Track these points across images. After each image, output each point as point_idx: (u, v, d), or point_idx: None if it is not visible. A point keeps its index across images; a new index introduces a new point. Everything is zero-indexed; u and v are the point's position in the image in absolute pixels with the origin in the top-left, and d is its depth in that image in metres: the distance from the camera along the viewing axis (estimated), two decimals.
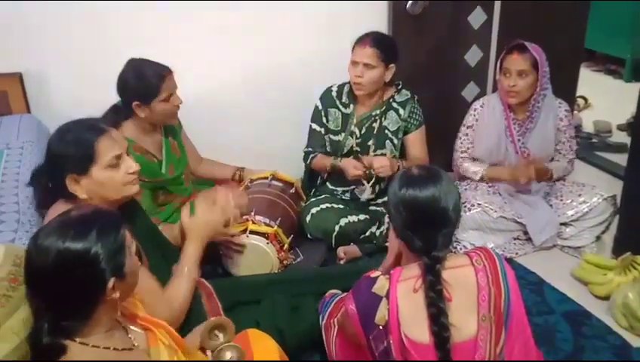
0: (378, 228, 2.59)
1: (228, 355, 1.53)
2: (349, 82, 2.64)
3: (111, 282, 1.16)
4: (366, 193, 2.67)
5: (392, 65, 2.55)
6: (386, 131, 2.65)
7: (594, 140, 3.92)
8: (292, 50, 2.95)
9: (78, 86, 2.61)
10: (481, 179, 2.77)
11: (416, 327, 1.39)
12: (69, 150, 1.55)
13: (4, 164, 2.22)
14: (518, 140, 2.68)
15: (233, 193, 1.97)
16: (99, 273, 1.15)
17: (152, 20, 2.69)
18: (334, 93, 2.71)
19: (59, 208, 1.52)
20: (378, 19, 2.97)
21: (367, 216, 2.63)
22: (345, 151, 2.70)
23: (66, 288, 1.13)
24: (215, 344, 1.56)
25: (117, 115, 2.24)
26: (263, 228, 2.36)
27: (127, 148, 1.66)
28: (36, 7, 2.55)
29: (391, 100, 2.66)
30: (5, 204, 1.93)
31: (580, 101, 4.38)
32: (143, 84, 2.19)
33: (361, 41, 2.54)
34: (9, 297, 1.32)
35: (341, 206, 2.68)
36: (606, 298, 2.31)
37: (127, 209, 1.72)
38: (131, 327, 1.31)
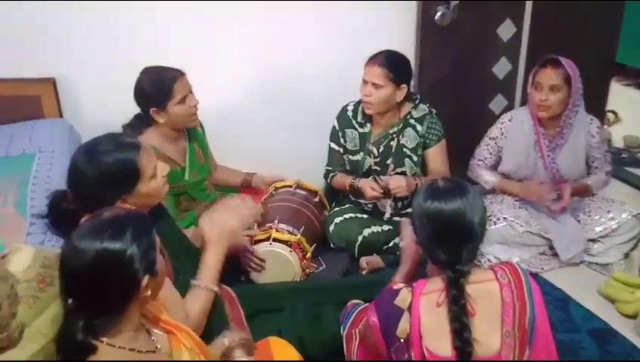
0: (401, 239, 2.58)
1: (238, 354, 1.53)
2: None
3: (145, 279, 1.19)
4: (387, 212, 2.64)
5: (404, 85, 2.51)
6: (404, 149, 2.62)
7: (623, 155, 3.85)
8: (320, 58, 2.96)
9: (109, 92, 2.65)
10: (492, 190, 2.76)
11: (438, 341, 1.38)
12: (116, 176, 1.54)
13: (35, 166, 2.26)
14: (548, 155, 2.65)
15: (250, 201, 1.94)
16: (134, 271, 1.18)
17: (178, 31, 2.73)
18: (350, 113, 2.69)
19: None
20: (406, 30, 2.96)
21: (391, 227, 2.62)
22: (364, 170, 2.69)
23: (103, 287, 1.16)
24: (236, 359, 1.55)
25: (140, 124, 2.28)
26: (287, 236, 2.37)
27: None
28: (71, 13, 2.60)
29: (408, 117, 2.62)
30: (36, 207, 1.97)
31: (610, 115, 4.30)
32: (156, 88, 2.23)
33: (371, 59, 2.51)
34: (37, 298, 1.34)
35: (365, 216, 2.68)
36: (633, 316, 2.26)
37: (154, 213, 1.74)
38: (154, 330, 1.33)
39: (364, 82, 2.52)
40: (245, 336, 1.59)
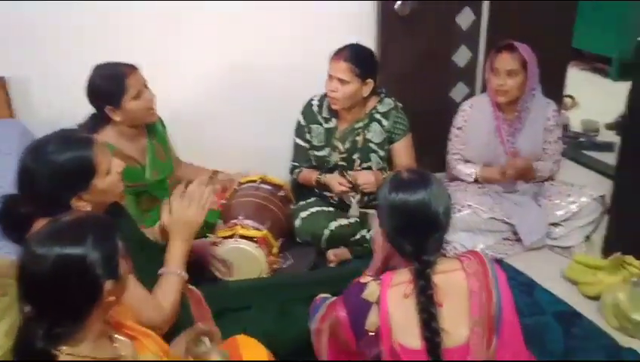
0: (368, 231, 2.58)
1: (204, 348, 1.51)
2: None
3: (108, 285, 1.16)
4: (353, 210, 2.62)
5: (370, 80, 2.50)
6: (370, 144, 2.62)
7: (582, 139, 3.94)
8: (281, 51, 2.93)
9: (63, 91, 2.56)
10: (476, 181, 2.77)
11: (407, 333, 1.38)
12: (69, 173, 1.49)
13: None
14: (508, 140, 2.68)
15: (202, 180, 1.90)
16: (96, 276, 1.14)
17: (134, 26, 2.66)
18: (315, 108, 2.68)
19: (40, 225, 1.49)
20: (366, 20, 2.96)
21: (357, 219, 2.62)
22: (330, 165, 2.67)
23: (64, 293, 1.12)
24: (200, 350, 1.53)
25: (95, 123, 2.21)
26: (252, 232, 2.34)
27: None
28: (20, 11, 2.51)
29: (374, 112, 2.62)
30: None
31: (568, 100, 4.39)
32: (109, 85, 2.17)
33: (336, 54, 2.50)
34: None
35: (331, 209, 2.67)
36: (596, 298, 2.31)
37: (112, 212, 1.69)
38: (118, 336, 1.30)
39: (330, 77, 2.49)
40: (205, 327, 1.57)
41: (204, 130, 2.90)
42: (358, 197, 2.59)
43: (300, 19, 2.91)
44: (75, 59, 2.54)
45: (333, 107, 2.56)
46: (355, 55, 2.48)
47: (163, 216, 1.79)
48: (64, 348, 1.14)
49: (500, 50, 2.59)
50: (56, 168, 1.48)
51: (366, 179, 2.50)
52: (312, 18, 2.91)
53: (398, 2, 2.90)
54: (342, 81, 2.46)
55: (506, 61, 2.56)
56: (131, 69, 2.21)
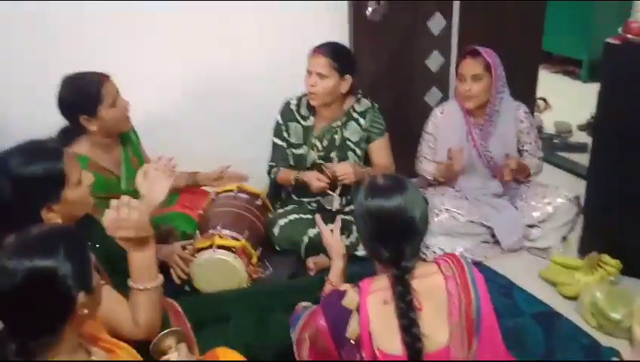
0: (347, 237, 2.57)
1: (167, 343, 1.49)
2: (307, 94, 2.63)
3: (80, 297, 1.14)
4: (335, 203, 2.63)
5: (348, 76, 2.52)
6: (348, 142, 2.64)
7: (555, 141, 3.99)
8: (252, 59, 2.92)
9: (34, 104, 2.51)
10: (435, 180, 2.81)
11: (388, 340, 1.37)
12: (38, 183, 1.47)
13: None
14: (480, 144, 2.70)
15: (159, 163, 1.86)
16: (68, 288, 1.13)
17: (101, 33, 2.63)
18: (293, 107, 2.68)
19: None
20: (338, 26, 2.97)
21: (339, 216, 2.60)
22: (308, 164, 2.67)
23: (36, 307, 1.10)
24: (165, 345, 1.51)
25: (67, 137, 2.17)
26: (231, 242, 2.32)
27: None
28: None
29: (351, 110, 2.64)
30: None
31: (540, 103, 4.45)
32: (84, 94, 2.13)
33: (315, 50, 2.52)
34: None
35: (309, 216, 2.65)
36: (575, 298, 2.33)
37: (83, 224, 1.66)
38: (93, 349, 1.28)
39: (309, 73, 2.51)
40: (176, 328, 1.55)
41: (175, 137, 2.85)
42: (338, 190, 2.59)
43: (271, 25, 2.91)
44: (40, 71, 2.50)
45: (312, 103, 2.57)
46: (333, 50, 2.51)
47: (107, 229, 1.59)
48: (42, 359, 1.12)
49: (463, 55, 2.63)
50: (25, 179, 1.46)
51: (344, 169, 2.50)
52: (284, 24, 2.91)
53: (370, 9, 2.92)
54: (321, 76, 2.48)
55: (470, 66, 2.59)
56: (104, 77, 2.18)
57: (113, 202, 1.54)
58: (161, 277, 1.63)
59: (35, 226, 1.21)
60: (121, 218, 1.51)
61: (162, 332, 1.53)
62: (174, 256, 2.24)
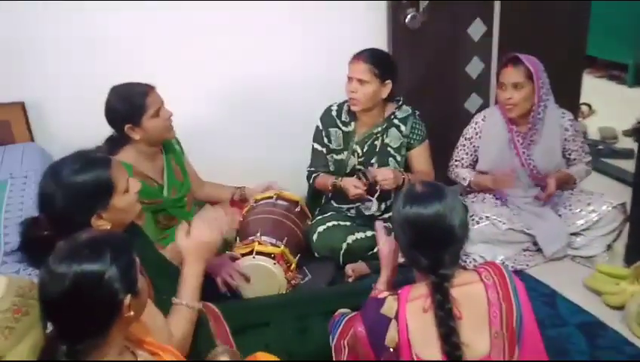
0: None
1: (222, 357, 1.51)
2: (348, 100, 2.64)
3: (127, 299, 1.17)
4: (373, 207, 2.63)
5: (388, 81, 2.53)
6: (389, 148, 2.64)
7: (600, 147, 3.89)
8: (292, 67, 2.95)
9: (80, 113, 2.60)
10: (469, 186, 2.76)
11: (427, 348, 1.36)
12: (89, 191, 1.52)
13: (8, 193, 2.21)
14: (523, 153, 2.66)
15: (226, 211, 1.93)
16: (115, 292, 1.16)
17: (151, 46, 2.71)
18: (334, 113, 2.70)
19: None
20: (378, 35, 2.97)
21: (375, 233, 2.60)
22: (348, 170, 2.68)
23: (84, 311, 1.14)
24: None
25: (113, 145, 2.24)
26: (270, 249, 2.34)
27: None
28: (36, 34, 2.56)
29: (392, 117, 2.64)
30: (9, 235, 1.93)
31: (584, 108, 4.36)
32: (129, 104, 2.20)
33: (355, 56, 2.54)
34: (12, 329, 1.31)
35: (348, 223, 2.66)
36: (620, 307, 2.27)
37: (130, 233, 1.70)
38: (139, 352, 1.31)
39: (350, 79, 2.53)
40: (228, 349, 1.57)
41: (215, 147, 2.91)
42: (376, 195, 2.59)
43: (308, 35, 2.93)
44: (88, 81, 2.60)
45: (353, 109, 2.58)
46: (374, 56, 2.53)
47: (178, 239, 1.77)
48: (91, 360, 1.15)
49: (504, 64, 2.59)
50: (75, 188, 1.50)
51: (385, 174, 2.50)
52: (321, 33, 2.93)
53: (409, 16, 2.91)
54: (361, 82, 2.49)
55: (510, 74, 2.55)
56: (150, 88, 2.25)
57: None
58: (200, 304, 1.72)
59: (84, 232, 1.25)
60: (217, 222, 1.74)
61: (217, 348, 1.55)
62: (227, 269, 2.24)
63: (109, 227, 1.54)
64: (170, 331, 1.61)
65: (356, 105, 2.55)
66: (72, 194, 1.50)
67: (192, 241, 1.74)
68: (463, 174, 2.80)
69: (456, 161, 2.84)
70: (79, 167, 1.53)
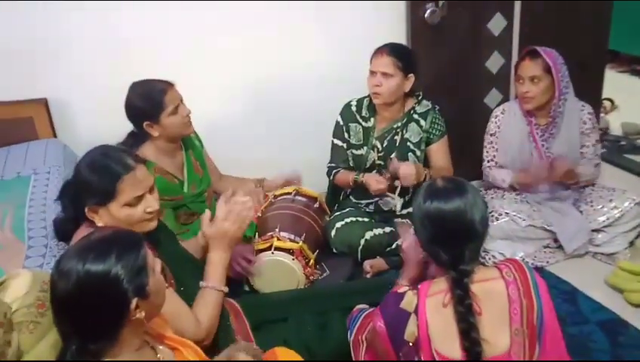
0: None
1: (242, 355, 1.51)
2: (368, 96, 2.63)
3: (134, 302, 1.15)
4: (398, 205, 2.63)
5: (411, 75, 2.53)
6: (408, 143, 2.63)
7: (622, 143, 3.84)
8: (311, 64, 2.96)
9: (102, 110, 2.64)
10: (511, 187, 2.73)
11: (447, 343, 1.36)
12: (93, 181, 1.55)
13: (31, 189, 2.25)
14: (542, 145, 2.64)
15: (250, 193, 1.94)
16: (121, 294, 1.14)
17: (172, 45, 2.73)
18: (354, 108, 2.70)
19: (82, 232, 1.54)
20: (397, 31, 2.97)
21: (393, 229, 2.60)
22: (368, 165, 2.68)
23: (90, 311, 1.13)
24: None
25: (134, 141, 2.26)
26: (288, 245, 2.35)
27: (152, 186, 1.64)
28: (58, 33, 2.60)
29: (412, 112, 2.64)
30: (33, 230, 1.95)
31: (607, 103, 4.30)
32: (148, 101, 2.22)
33: (378, 50, 2.53)
34: (37, 323, 1.33)
35: (366, 219, 2.66)
36: None
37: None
38: (159, 347, 1.32)
39: (372, 74, 2.53)
40: (250, 346, 1.57)
41: (235, 144, 2.94)
42: (397, 190, 2.59)
43: (329, 30, 2.93)
44: (110, 78, 2.62)
45: (376, 102, 2.57)
46: (396, 50, 2.53)
47: (204, 226, 1.82)
48: (105, 359, 1.15)
49: (522, 57, 2.58)
50: (87, 174, 1.56)
51: (408, 169, 2.47)
52: (341, 29, 2.93)
53: (428, 11, 2.90)
54: (385, 75, 2.49)
55: (528, 68, 2.53)
56: (169, 85, 2.26)
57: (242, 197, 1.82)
58: (226, 288, 1.76)
59: (98, 230, 1.26)
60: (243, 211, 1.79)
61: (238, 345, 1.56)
62: (240, 253, 2.27)
63: (101, 224, 1.55)
64: (197, 319, 1.63)
65: (379, 98, 2.54)
66: (84, 175, 1.56)
67: (216, 230, 1.78)
68: (501, 175, 2.74)
69: (488, 161, 2.79)
70: (106, 159, 1.57)
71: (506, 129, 2.71)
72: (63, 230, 1.67)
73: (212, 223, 1.80)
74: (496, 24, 3.08)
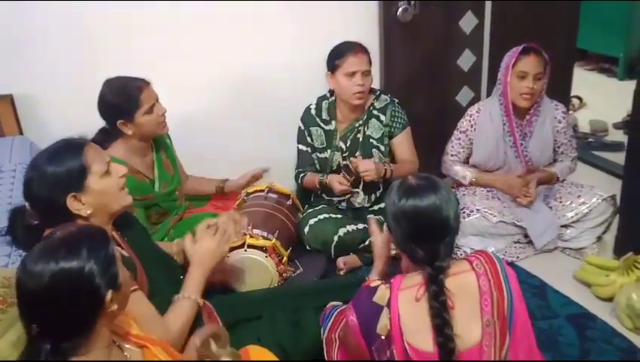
0: None
1: (213, 347, 1.50)
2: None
3: (109, 295, 1.15)
4: (359, 198, 2.65)
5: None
6: (371, 140, 2.64)
7: (590, 140, 3.92)
8: (282, 62, 2.94)
9: (69, 107, 2.58)
10: (470, 184, 2.76)
11: (419, 336, 1.37)
12: (61, 172, 1.50)
13: None
14: (521, 145, 2.66)
15: (235, 219, 1.94)
16: (96, 287, 1.14)
17: (139, 39, 2.68)
18: (313, 112, 2.70)
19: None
20: (369, 29, 2.97)
21: (366, 225, 2.60)
22: (334, 167, 2.68)
23: (66, 308, 1.12)
24: (210, 352, 1.52)
25: (104, 138, 2.22)
26: (261, 242, 2.34)
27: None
28: (24, 29, 2.53)
29: (371, 108, 2.64)
30: None
31: (575, 101, 4.38)
32: (123, 99, 2.18)
33: (355, 50, 2.51)
34: None
35: (339, 216, 2.66)
36: (610, 299, 2.28)
37: (123, 223, 1.72)
38: (126, 346, 1.30)
39: (352, 74, 2.50)
40: (214, 329, 1.56)
41: (208, 141, 2.90)
42: (361, 185, 2.61)
43: (302, 27, 2.92)
44: (79, 74, 2.57)
45: (358, 102, 2.55)
46: (363, 47, 2.55)
47: (186, 243, 1.81)
48: (73, 359, 1.13)
49: (527, 52, 2.52)
50: (48, 170, 1.50)
51: (367, 166, 2.49)
52: (313, 26, 2.92)
53: (400, 9, 2.91)
54: (367, 73, 2.51)
55: (534, 64, 2.51)
56: (145, 83, 2.22)
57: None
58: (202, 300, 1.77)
59: (60, 228, 1.22)
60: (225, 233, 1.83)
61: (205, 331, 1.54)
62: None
63: (89, 211, 1.52)
64: (166, 325, 1.61)
65: (362, 98, 2.54)
66: (45, 176, 1.49)
67: (198, 249, 1.79)
68: (463, 172, 2.77)
69: (451, 155, 2.81)
70: (52, 150, 1.54)
71: (481, 128, 2.71)
72: (23, 238, 1.58)
73: (194, 241, 1.81)
74: (467, 22, 3.10)
